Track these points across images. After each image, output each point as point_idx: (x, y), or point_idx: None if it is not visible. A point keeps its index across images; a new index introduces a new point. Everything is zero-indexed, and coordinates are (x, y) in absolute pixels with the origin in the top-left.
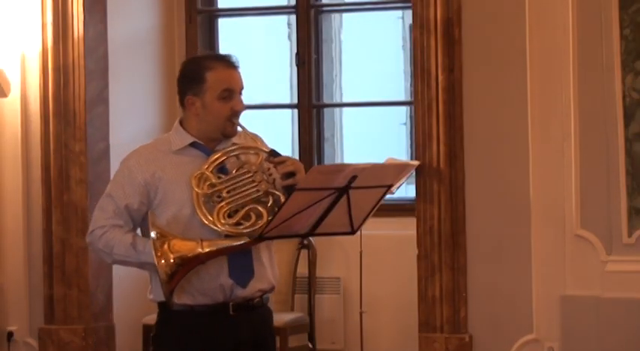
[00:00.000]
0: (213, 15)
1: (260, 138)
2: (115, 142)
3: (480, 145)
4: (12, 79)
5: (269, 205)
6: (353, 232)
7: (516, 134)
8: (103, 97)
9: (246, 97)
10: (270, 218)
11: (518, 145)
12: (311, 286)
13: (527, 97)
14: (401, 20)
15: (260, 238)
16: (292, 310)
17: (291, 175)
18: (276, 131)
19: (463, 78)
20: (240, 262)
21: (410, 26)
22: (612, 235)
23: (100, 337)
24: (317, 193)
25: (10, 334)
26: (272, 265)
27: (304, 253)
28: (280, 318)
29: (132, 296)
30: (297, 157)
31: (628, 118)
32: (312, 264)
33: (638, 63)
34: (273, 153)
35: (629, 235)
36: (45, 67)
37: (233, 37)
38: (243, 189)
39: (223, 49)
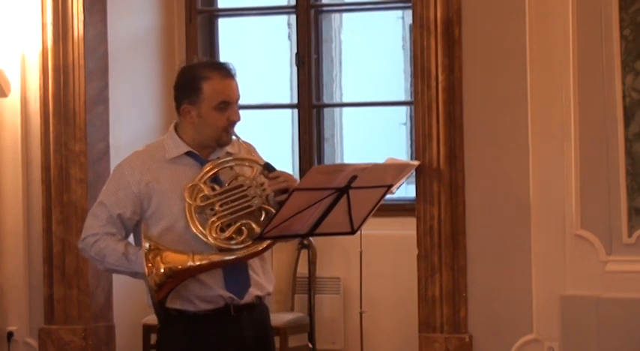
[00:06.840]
0: (213, 15)
1: (254, 148)
2: (115, 142)
3: (480, 145)
4: (12, 79)
5: (262, 219)
6: (353, 232)
7: (516, 134)
8: (103, 97)
9: (247, 97)
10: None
11: (518, 145)
12: (311, 286)
13: (527, 97)
14: (401, 20)
15: (260, 238)
16: (292, 310)
17: (285, 191)
18: (276, 131)
19: (463, 78)
20: (236, 274)
21: (410, 26)
22: (612, 235)
23: (100, 337)
24: (317, 193)
25: (10, 334)
26: (265, 272)
27: (304, 253)
28: (280, 318)
29: (132, 296)
30: (297, 157)
31: (628, 118)
32: (312, 264)
33: (638, 63)
34: (267, 166)
35: (629, 235)
36: (45, 67)
37: (233, 37)
38: (235, 203)
39: (223, 49)
